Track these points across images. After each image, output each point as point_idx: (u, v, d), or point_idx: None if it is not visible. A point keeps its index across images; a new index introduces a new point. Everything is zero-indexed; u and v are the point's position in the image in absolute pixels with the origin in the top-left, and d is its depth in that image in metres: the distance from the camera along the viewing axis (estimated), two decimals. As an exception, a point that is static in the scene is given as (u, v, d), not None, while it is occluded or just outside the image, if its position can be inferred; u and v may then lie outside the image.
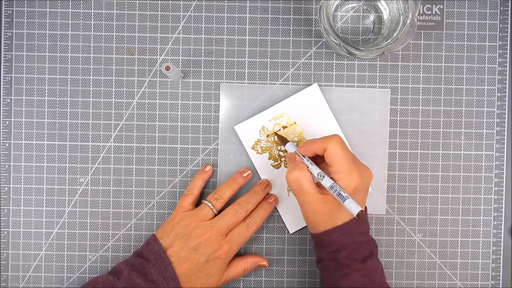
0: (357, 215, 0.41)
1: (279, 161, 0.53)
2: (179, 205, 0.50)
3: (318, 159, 0.47)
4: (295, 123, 0.53)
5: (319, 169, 0.45)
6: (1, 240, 0.53)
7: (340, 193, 0.43)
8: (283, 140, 0.50)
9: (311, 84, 0.53)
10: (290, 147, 0.49)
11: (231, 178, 0.52)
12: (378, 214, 0.53)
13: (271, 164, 0.53)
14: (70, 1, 0.53)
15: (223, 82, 0.53)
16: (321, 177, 0.44)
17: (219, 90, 0.53)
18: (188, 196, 0.51)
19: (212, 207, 0.49)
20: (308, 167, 0.46)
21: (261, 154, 0.53)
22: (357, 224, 0.45)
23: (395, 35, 0.48)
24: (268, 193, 0.52)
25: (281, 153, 0.53)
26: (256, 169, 0.53)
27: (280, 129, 0.53)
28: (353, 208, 0.42)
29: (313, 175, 0.45)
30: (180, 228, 0.48)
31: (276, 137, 0.52)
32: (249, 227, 0.49)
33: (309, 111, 0.53)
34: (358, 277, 0.44)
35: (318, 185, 0.46)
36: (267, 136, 0.53)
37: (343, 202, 0.42)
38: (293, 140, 0.53)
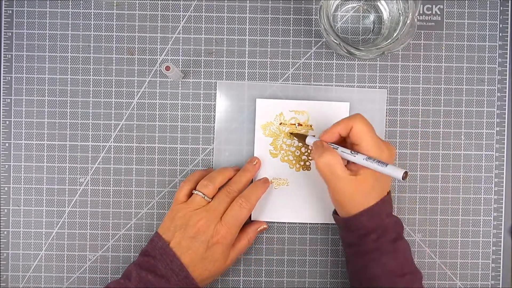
0: (402, 178, 0.42)
1: (278, 151, 0.53)
2: (175, 198, 0.50)
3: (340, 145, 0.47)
4: (311, 126, 0.53)
5: (348, 149, 0.45)
6: (1, 240, 0.53)
7: (379, 161, 0.43)
8: (302, 136, 0.50)
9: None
10: (311, 139, 0.49)
11: (241, 169, 0.52)
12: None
13: (269, 150, 0.53)
14: (70, 1, 0.53)
15: (221, 81, 0.53)
16: (354, 154, 0.44)
17: (216, 89, 0.53)
18: (182, 189, 0.50)
19: (202, 195, 0.49)
20: (337, 149, 0.46)
21: (266, 136, 0.53)
22: (384, 205, 0.45)
23: (395, 35, 0.48)
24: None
25: (283, 145, 0.53)
26: (254, 148, 0.53)
27: (295, 124, 0.53)
28: (397, 172, 0.42)
29: (343, 156, 0.45)
30: (178, 219, 0.48)
31: (294, 137, 0.52)
32: (241, 207, 0.48)
33: (329, 124, 0.52)
34: (387, 260, 0.44)
35: (348, 169, 0.45)
36: (280, 123, 0.53)
37: (385, 167, 0.42)
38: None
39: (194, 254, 0.46)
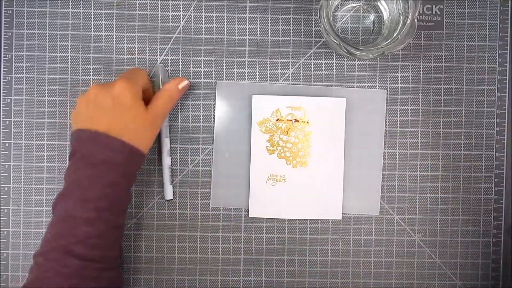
0: None
1: (275, 148, 0.53)
2: None
3: None
4: (308, 122, 0.53)
5: None
6: (1, 240, 0.53)
7: None
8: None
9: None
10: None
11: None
12: (375, 215, 0.53)
13: (266, 147, 0.53)
14: (70, 1, 0.53)
15: (221, 81, 0.53)
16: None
17: (216, 89, 0.53)
18: None
19: None
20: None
21: (262, 133, 0.53)
22: None
23: (395, 35, 0.48)
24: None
25: (280, 142, 0.53)
26: (251, 145, 0.53)
27: (292, 120, 0.53)
28: None
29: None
30: None
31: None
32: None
33: (326, 119, 0.53)
34: None
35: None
36: (277, 120, 0.53)
37: None
38: (295, 141, 0.53)
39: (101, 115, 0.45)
